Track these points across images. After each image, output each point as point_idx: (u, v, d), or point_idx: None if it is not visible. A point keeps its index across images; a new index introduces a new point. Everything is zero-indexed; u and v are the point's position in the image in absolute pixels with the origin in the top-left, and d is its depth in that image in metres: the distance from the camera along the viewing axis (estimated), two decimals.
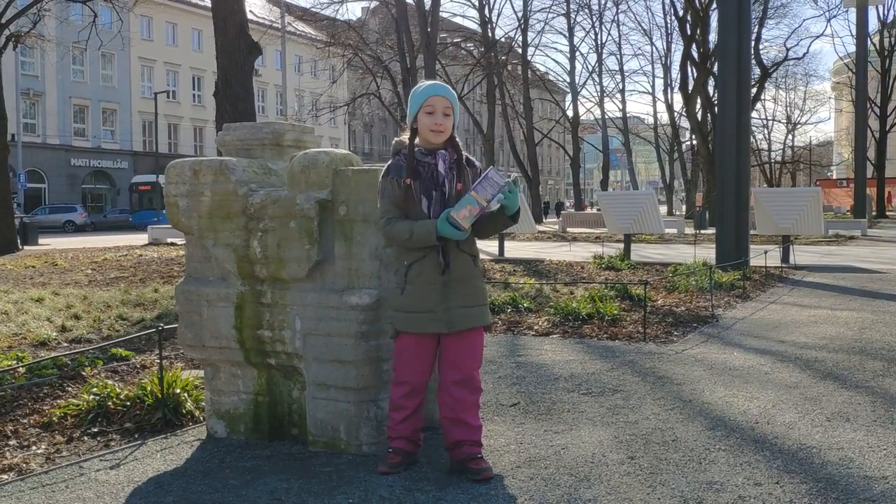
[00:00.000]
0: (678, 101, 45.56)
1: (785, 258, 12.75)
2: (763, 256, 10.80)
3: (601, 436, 3.76)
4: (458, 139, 3.29)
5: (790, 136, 65.36)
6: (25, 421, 4.11)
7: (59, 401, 4.43)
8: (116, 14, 23.50)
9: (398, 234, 3.13)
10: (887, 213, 43.26)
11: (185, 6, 51.54)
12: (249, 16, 12.77)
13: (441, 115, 3.17)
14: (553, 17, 57.60)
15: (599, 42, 51.82)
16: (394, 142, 3.32)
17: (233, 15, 11.50)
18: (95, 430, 3.92)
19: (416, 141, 3.22)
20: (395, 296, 3.24)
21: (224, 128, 4.38)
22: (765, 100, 54.67)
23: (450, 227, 3.05)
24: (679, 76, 36.41)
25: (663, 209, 51.64)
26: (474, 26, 42.08)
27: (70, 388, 4.72)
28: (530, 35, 42.94)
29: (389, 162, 3.24)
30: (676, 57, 57.30)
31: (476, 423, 3.24)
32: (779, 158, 61.19)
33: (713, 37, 30.95)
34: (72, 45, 35.12)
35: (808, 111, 74.09)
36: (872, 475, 3.21)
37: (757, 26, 34.77)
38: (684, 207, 53.46)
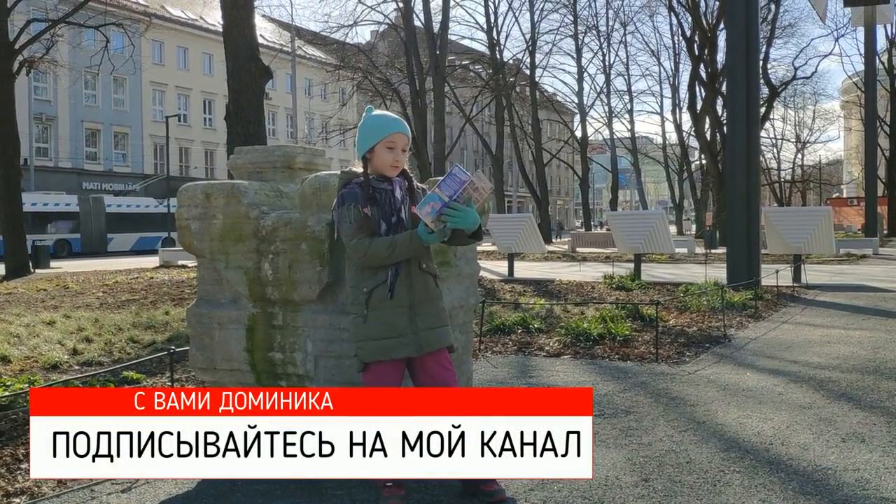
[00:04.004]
0: (687, 120, 45.65)
1: (797, 277, 12.69)
2: (775, 276, 10.75)
3: (614, 458, 3.73)
4: (406, 167, 3.26)
5: (800, 155, 65.31)
6: None
7: None
8: (128, 39, 23.75)
9: (378, 251, 3.05)
10: None
11: (197, 31, 52.06)
12: (260, 40, 12.89)
13: (400, 151, 3.17)
14: (561, 39, 58.05)
15: (607, 63, 51.92)
16: (340, 172, 3.29)
17: (244, 39, 11.59)
18: None
19: (369, 171, 3.19)
20: (356, 325, 3.16)
21: (235, 151, 4.41)
22: (774, 119, 54.63)
23: (425, 232, 3.02)
24: (687, 96, 36.53)
25: (673, 229, 51.55)
26: (483, 49, 42.33)
27: None
28: (538, 57, 43.11)
29: (342, 192, 3.16)
30: (684, 77, 57.51)
31: None
32: (789, 177, 61.08)
33: (721, 56, 31.05)
34: (84, 69, 35.55)
35: (817, 130, 74.04)
36: (890, 497, 3.17)
37: (765, 46, 34.83)
38: (694, 227, 53.34)
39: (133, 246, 39.02)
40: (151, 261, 24.70)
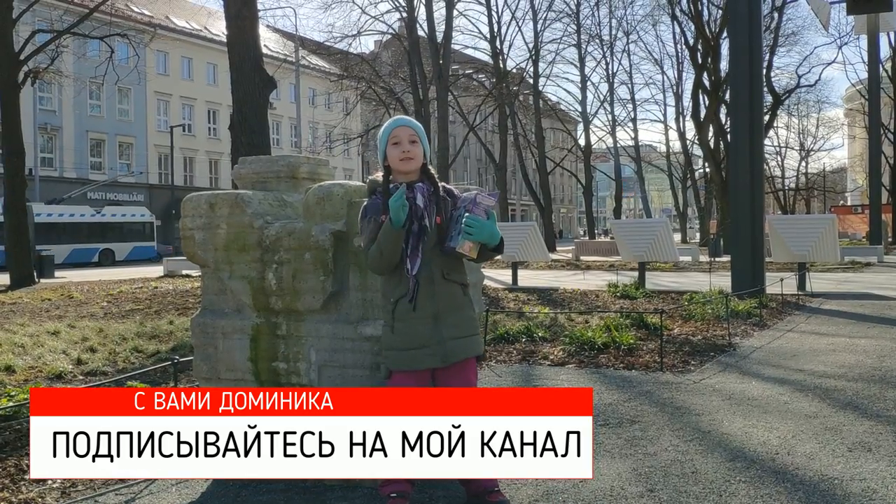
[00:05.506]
0: (690, 128, 45.67)
1: (801, 285, 12.65)
2: (779, 284, 10.72)
3: (619, 468, 3.72)
4: (432, 170, 3.23)
5: (804, 163, 65.19)
6: None
7: None
8: (133, 49, 23.88)
9: (372, 257, 3.08)
10: None
11: (201, 41, 52.26)
12: (264, 50, 12.92)
13: (407, 142, 3.15)
14: (564, 48, 58.11)
15: (610, 72, 51.96)
16: (367, 181, 3.28)
17: (248, 49, 11.64)
18: None
19: (391, 177, 3.18)
20: (384, 334, 3.19)
21: (240, 161, 4.41)
22: (777, 127, 54.51)
23: (401, 210, 2.96)
24: (691, 104, 36.45)
25: (677, 237, 51.50)
26: (486, 58, 42.40)
27: None
28: (541, 65, 43.20)
29: (365, 204, 3.17)
30: (688, 85, 57.29)
31: None
32: (793, 185, 60.98)
33: (724, 65, 31.04)
34: (89, 80, 35.62)
35: (821, 138, 73.63)
36: None
37: (768, 54, 34.82)
38: (698, 235, 53.28)
39: (66, 258, 36.07)
40: (155, 270, 24.73)
